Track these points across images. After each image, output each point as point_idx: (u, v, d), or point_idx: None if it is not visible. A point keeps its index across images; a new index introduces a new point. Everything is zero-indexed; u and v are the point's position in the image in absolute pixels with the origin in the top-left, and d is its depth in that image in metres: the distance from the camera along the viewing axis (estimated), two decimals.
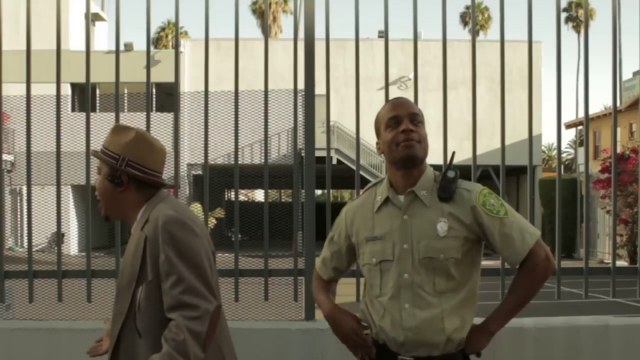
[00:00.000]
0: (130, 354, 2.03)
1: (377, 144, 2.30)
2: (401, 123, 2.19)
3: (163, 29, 45.12)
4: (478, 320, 2.25)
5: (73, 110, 24.79)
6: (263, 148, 3.58)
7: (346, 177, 25.93)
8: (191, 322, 1.90)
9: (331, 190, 3.82)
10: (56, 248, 3.61)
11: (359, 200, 2.38)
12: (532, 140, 3.66)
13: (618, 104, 10.27)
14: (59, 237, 3.63)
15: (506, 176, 3.68)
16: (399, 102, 2.25)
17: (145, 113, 3.63)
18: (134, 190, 2.11)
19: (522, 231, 2.16)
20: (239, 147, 3.59)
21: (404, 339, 2.16)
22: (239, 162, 3.62)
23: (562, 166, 6.14)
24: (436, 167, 2.30)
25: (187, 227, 2.01)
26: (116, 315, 2.07)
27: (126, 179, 2.09)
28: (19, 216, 23.06)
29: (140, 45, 24.97)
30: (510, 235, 2.15)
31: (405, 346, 2.17)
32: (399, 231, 2.19)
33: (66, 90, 23.11)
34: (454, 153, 2.40)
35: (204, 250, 2.04)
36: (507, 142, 3.60)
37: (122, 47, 4.00)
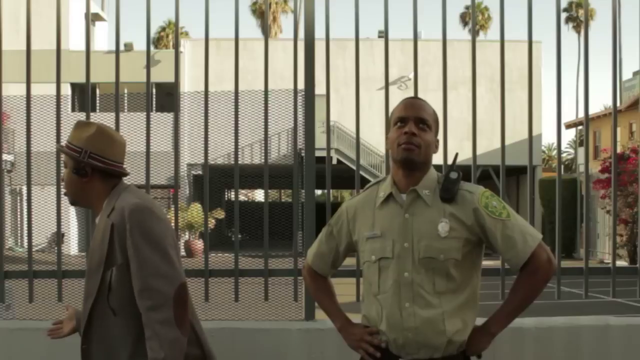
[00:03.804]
0: (103, 331, 2.21)
1: (387, 137, 2.34)
2: (407, 125, 2.20)
3: (163, 29, 45.13)
4: (479, 321, 2.25)
5: (73, 110, 24.77)
6: (263, 148, 3.58)
7: (346, 177, 25.90)
8: (156, 313, 2.10)
9: (331, 190, 3.82)
10: (56, 248, 3.61)
11: (360, 197, 2.37)
12: (532, 140, 3.65)
13: (618, 104, 10.27)
14: (59, 237, 3.63)
15: (506, 176, 3.68)
16: (411, 103, 2.25)
17: (145, 113, 3.63)
18: (98, 181, 2.28)
19: (524, 234, 2.16)
20: (239, 147, 3.59)
21: (403, 340, 2.16)
22: (239, 162, 3.62)
23: (562, 166, 6.15)
24: (436, 167, 2.30)
25: (152, 213, 2.20)
26: (86, 296, 2.24)
27: (90, 170, 2.26)
28: (19, 216, 23.05)
29: (140, 45, 24.96)
30: (512, 238, 2.15)
31: (406, 348, 2.17)
32: (399, 229, 2.20)
33: (66, 90, 23.09)
34: (456, 154, 2.41)
35: (170, 232, 2.24)
36: (507, 142, 3.60)
37: (122, 47, 4.00)
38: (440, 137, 2.37)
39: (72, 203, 2.37)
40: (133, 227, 2.15)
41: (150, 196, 2.41)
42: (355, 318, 2.41)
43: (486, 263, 2.35)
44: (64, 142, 2.35)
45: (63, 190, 2.35)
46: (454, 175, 2.21)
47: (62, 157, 2.35)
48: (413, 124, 2.19)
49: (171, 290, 2.14)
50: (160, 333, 2.09)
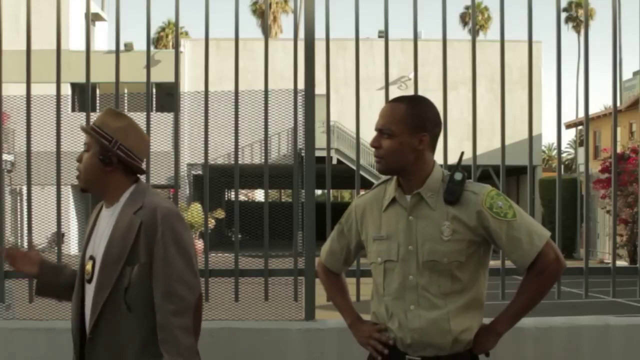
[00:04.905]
0: (114, 325, 2.20)
1: None
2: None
3: (163, 29, 45.12)
4: (486, 321, 2.25)
5: (73, 110, 24.77)
6: (263, 148, 3.58)
7: (346, 177, 25.92)
8: (177, 319, 2.12)
9: (331, 190, 3.82)
10: (56, 248, 3.61)
11: (368, 196, 2.37)
12: (532, 140, 3.65)
13: (618, 104, 10.27)
14: (59, 237, 3.63)
15: (506, 176, 3.68)
16: (380, 113, 2.25)
17: (145, 113, 3.63)
18: (121, 173, 2.28)
19: (530, 233, 2.14)
20: (239, 147, 3.59)
21: (410, 340, 2.18)
22: (239, 162, 3.62)
23: (562, 166, 6.15)
24: None
25: (182, 221, 2.24)
26: (99, 287, 2.21)
27: (116, 160, 2.25)
28: (19, 216, 23.05)
29: (140, 45, 24.94)
30: (518, 238, 2.13)
31: (413, 347, 2.19)
32: (404, 232, 2.20)
33: (66, 90, 23.09)
34: (462, 153, 2.38)
35: (193, 242, 2.27)
36: (507, 142, 3.60)
37: (122, 47, 4.00)
38: (440, 137, 2.36)
39: (84, 189, 2.34)
40: (166, 230, 2.17)
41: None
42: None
43: None
44: (72, 141, 2.37)
45: (76, 173, 2.30)
46: (458, 176, 2.18)
47: (85, 138, 2.30)
48: (376, 136, 2.22)
49: (193, 299, 2.17)
50: (180, 338, 2.11)
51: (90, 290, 2.27)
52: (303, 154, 3.51)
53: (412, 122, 2.19)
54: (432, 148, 2.25)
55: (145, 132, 2.37)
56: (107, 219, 2.29)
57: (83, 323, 2.30)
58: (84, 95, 4.13)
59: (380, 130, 2.21)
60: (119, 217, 2.24)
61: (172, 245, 2.16)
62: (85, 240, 2.36)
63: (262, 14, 44.40)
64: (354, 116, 3.56)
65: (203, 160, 3.68)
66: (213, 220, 21.65)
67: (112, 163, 2.25)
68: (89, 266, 2.28)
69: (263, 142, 3.58)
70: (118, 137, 2.25)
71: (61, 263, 2.58)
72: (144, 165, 2.43)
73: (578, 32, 49.96)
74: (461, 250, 2.15)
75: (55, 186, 3.60)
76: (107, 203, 2.32)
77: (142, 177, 3.41)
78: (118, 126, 2.26)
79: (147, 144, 2.37)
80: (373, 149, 2.25)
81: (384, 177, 2.38)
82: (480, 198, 2.16)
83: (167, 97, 23.28)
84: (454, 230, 2.15)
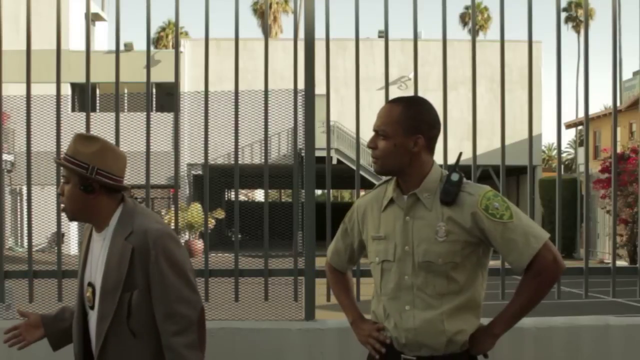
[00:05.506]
0: (120, 352, 2.21)
1: None
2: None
3: (163, 29, 45.16)
4: (485, 321, 2.25)
5: (73, 110, 24.77)
6: (263, 148, 3.58)
7: (346, 177, 25.93)
8: (182, 338, 2.15)
9: (331, 190, 3.82)
10: (56, 248, 3.61)
11: (369, 197, 2.38)
12: (532, 140, 3.65)
13: (618, 104, 10.27)
14: (59, 237, 3.63)
15: (506, 176, 3.68)
16: (377, 114, 2.25)
17: (145, 113, 3.63)
18: (104, 196, 2.26)
19: (527, 235, 2.11)
20: (239, 147, 3.59)
21: (405, 340, 2.19)
22: (239, 162, 3.62)
23: (562, 166, 6.15)
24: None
25: (173, 239, 2.24)
26: (101, 317, 2.22)
27: (97, 186, 2.23)
28: (19, 216, 23.04)
29: (140, 45, 24.93)
30: (513, 240, 2.11)
31: (408, 346, 2.19)
32: (400, 232, 2.20)
33: (66, 90, 23.09)
34: (460, 154, 2.37)
35: (188, 256, 2.29)
36: (507, 142, 3.60)
37: (122, 47, 4.00)
38: (440, 137, 2.35)
39: (72, 219, 2.31)
40: (159, 253, 2.17)
41: (160, 217, 2.42)
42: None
43: None
44: (62, 155, 2.33)
45: (62, 205, 2.28)
46: (455, 177, 2.17)
47: (62, 171, 2.30)
48: (373, 137, 2.23)
49: (195, 315, 2.19)
50: (187, 356, 2.15)
51: (93, 317, 2.27)
52: (303, 154, 3.51)
53: (407, 124, 2.18)
54: (430, 149, 2.23)
55: (118, 148, 2.33)
56: (100, 243, 2.28)
57: (86, 347, 2.31)
58: (84, 95, 4.14)
59: (377, 132, 2.22)
60: (111, 244, 2.23)
61: (167, 267, 2.17)
62: (81, 265, 2.35)
63: (262, 14, 44.40)
64: (354, 116, 3.56)
65: (203, 160, 3.68)
66: (213, 220, 21.65)
67: (94, 190, 2.22)
68: (89, 293, 2.28)
69: (263, 142, 3.58)
70: (94, 163, 2.21)
71: (58, 309, 2.57)
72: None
73: (578, 32, 49.96)
74: (456, 251, 2.14)
75: (55, 186, 3.60)
76: (97, 228, 2.30)
77: (143, 178, 3.42)
78: (91, 151, 2.22)
79: (124, 160, 2.31)
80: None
81: (385, 177, 2.38)
82: (476, 199, 2.14)
83: (167, 97, 23.30)
84: (449, 231, 2.14)
